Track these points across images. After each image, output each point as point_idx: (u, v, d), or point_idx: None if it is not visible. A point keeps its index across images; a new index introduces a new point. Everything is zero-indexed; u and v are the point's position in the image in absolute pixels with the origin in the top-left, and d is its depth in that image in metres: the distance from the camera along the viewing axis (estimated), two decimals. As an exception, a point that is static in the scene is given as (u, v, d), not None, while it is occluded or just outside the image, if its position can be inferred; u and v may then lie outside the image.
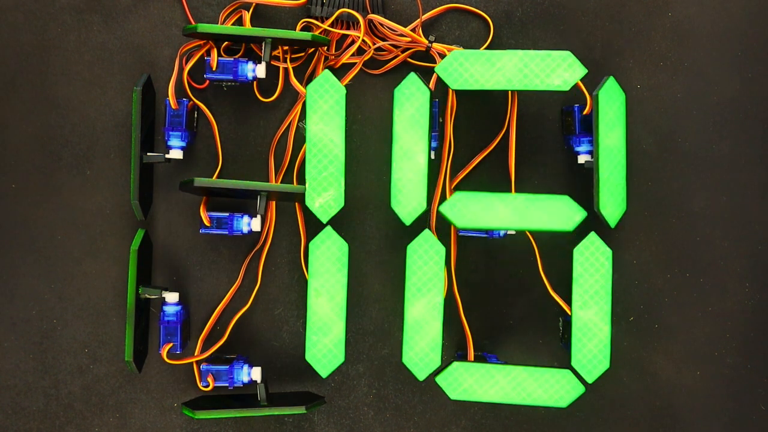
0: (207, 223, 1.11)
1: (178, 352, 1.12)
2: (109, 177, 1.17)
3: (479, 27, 1.19)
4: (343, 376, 1.18)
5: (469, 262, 1.18)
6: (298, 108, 1.17)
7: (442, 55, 1.15)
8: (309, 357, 1.09)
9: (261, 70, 1.12)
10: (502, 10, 1.18)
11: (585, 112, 1.12)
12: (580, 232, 1.09)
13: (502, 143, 1.17)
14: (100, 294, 1.17)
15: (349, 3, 1.16)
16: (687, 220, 1.18)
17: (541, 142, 1.18)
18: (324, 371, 1.09)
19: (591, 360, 1.08)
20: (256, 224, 1.12)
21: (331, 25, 1.15)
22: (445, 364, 1.09)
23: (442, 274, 1.07)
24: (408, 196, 1.07)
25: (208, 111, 1.17)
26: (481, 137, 1.17)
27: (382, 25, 1.15)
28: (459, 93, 1.16)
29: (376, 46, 1.15)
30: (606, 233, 1.12)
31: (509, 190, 1.14)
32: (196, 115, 1.16)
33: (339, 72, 1.17)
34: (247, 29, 1.10)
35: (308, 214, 1.13)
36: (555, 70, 1.07)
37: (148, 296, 1.11)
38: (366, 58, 1.16)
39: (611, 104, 1.07)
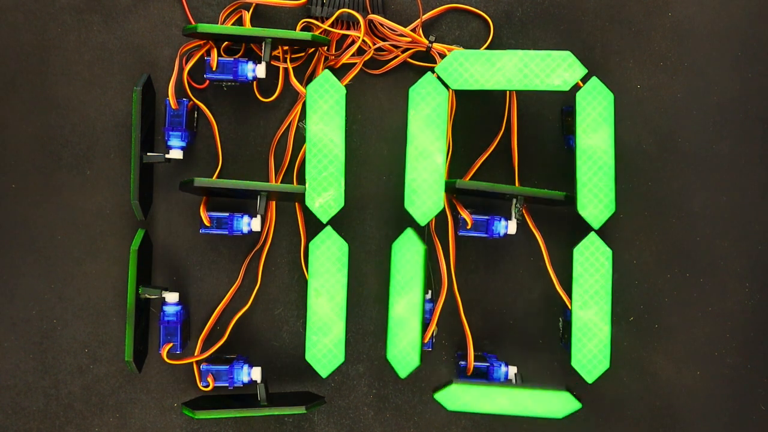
0: (207, 223, 1.11)
1: (178, 352, 1.12)
2: (109, 177, 1.17)
3: (479, 27, 1.19)
4: (343, 376, 1.18)
5: (469, 262, 1.18)
6: (298, 108, 1.17)
7: (442, 55, 1.15)
8: (309, 357, 1.09)
9: (261, 70, 1.12)
10: (502, 10, 1.18)
11: (585, 112, 1.12)
12: (580, 232, 1.09)
13: (501, 143, 1.17)
14: (100, 294, 1.17)
15: (349, 3, 1.16)
16: (687, 220, 1.18)
17: (541, 142, 1.18)
18: (324, 371, 1.09)
19: (591, 360, 1.08)
20: (256, 224, 1.12)
21: (331, 25, 1.15)
22: (443, 384, 1.09)
23: (422, 272, 1.07)
24: (423, 196, 1.07)
25: (208, 111, 1.17)
26: (481, 137, 1.17)
27: (382, 25, 1.15)
28: (459, 93, 1.16)
29: (376, 46, 1.15)
30: (606, 233, 1.12)
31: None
32: (196, 115, 1.16)
33: (339, 72, 1.17)
34: (247, 29, 1.10)
35: (308, 214, 1.13)
36: (555, 70, 1.07)
37: (148, 296, 1.11)
38: (366, 58, 1.16)
39: (595, 105, 1.07)
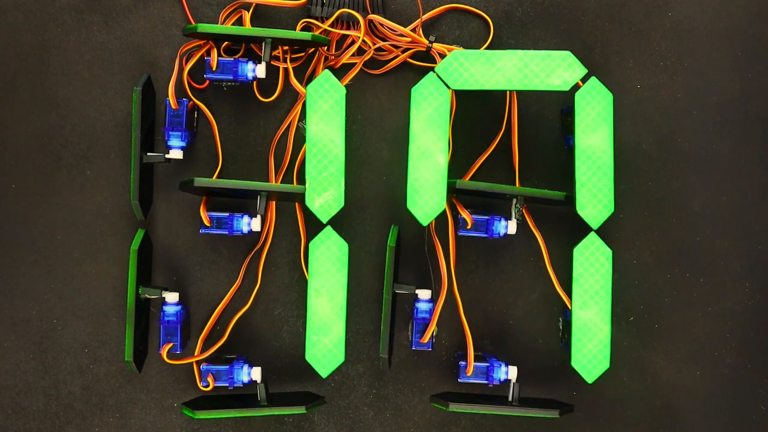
0: (207, 223, 1.11)
1: (178, 352, 1.12)
2: (109, 177, 1.17)
3: (479, 27, 1.19)
4: (343, 376, 1.18)
5: (469, 262, 1.18)
6: (298, 108, 1.17)
7: (442, 55, 1.15)
8: (309, 357, 1.09)
9: (261, 70, 1.12)
10: (502, 10, 1.18)
11: (585, 112, 1.12)
12: (579, 232, 1.09)
13: (501, 143, 1.17)
14: (100, 294, 1.17)
15: (349, 3, 1.16)
16: (687, 220, 1.18)
17: (541, 142, 1.18)
18: (324, 371, 1.09)
19: (591, 360, 1.08)
20: (256, 224, 1.12)
21: (331, 25, 1.15)
22: (441, 395, 1.10)
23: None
24: (425, 196, 1.07)
25: (208, 111, 1.17)
26: (481, 137, 1.17)
27: (382, 25, 1.15)
28: (459, 93, 1.16)
29: (376, 46, 1.15)
30: (606, 233, 1.12)
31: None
32: (196, 115, 1.16)
33: (339, 72, 1.17)
34: (247, 29, 1.10)
35: (308, 214, 1.13)
36: (555, 70, 1.07)
37: (148, 296, 1.11)
38: (366, 58, 1.16)
39: (594, 105, 1.07)
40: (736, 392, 1.18)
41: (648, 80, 1.18)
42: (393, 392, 1.18)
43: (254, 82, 1.16)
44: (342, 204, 1.08)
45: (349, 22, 1.16)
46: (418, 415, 1.18)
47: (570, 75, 1.07)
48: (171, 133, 1.12)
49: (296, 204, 1.16)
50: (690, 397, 1.18)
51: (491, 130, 1.17)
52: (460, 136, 1.17)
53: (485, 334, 1.18)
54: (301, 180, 1.16)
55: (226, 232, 1.11)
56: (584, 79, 1.08)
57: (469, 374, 1.11)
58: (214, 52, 1.12)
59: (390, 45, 1.16)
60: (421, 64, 1.17)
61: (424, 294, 1.12)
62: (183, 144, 1.12)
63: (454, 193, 1.13)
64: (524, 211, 1.14)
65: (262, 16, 1.18)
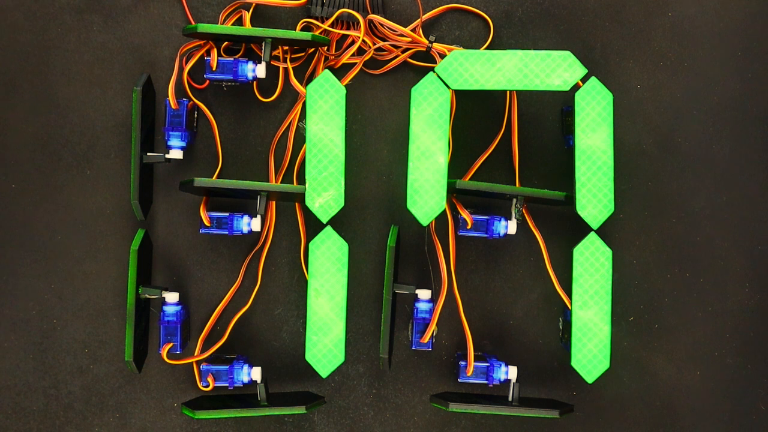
0: (207, 223, 1.11)
1: (178, 352, 1.12)
2: (109, 177, 1.17)
3: (479, 27, 1.19)
4: (343, 376, 1.18)
5: (469, 262, 1.18)
6: (298, 108, 1.17)
7: (442, 55, 1.15)
8: (309, 357, 1.09)
9: (261, 70, 1.12)
10: (502, 10, 1.18)
11: (585, 112, 1.12)
12: (579, 232, 1.09)
13: (501, 143, 1.17)
14: (100, 294, 1.17)
15: (349, 3, 1.16)
16: (687, 220, 1.18)
17: (541, 142, 1.18)
18: (324, 371, 1.09)
19: (591, 360, 1.08)
20: (256, 224, 1.12)
21: (331, 25, 1.15)
22: (440, 395, 1.10)
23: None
24: (425, 196, 1.07)
25: (208, 111, 1.17)
26: (481, 137, 1.17)
27: (382, 25, 1.15)
28: (459, 93, 1.16)
29: (376, 46, 1.15)
30: (606, 233, 1.12)
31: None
32: (196, 115, 1.16)
33: (339, 72, 1.17)
34: (247, 29, 1.10)
35: (308, 214, 1.13)
36: (555, 70, 1.07)
37: (148, 296, 1.11)
38: (366, 58, 1.16)
39: (594, 105, 1.07)
40: (736, 392, 1.18)
41: (648, 80, 1.18)
42: (393, 392, 1.18)
43: (254, 82, 1.16)
44: (342, 204, 1.08)
45: (349, 22, 1.16)
46: (418, 415, 1.18)
47: (570, 75, 1.07)
48: (171, 133, 1.12)
49: (296, 204, 1.16)
50: (690, 397, 1.18)
51: (491, 130, 1.17)
52: (460, 136, 1.17)
53: (485, 334, 1.18)
54: (301, 180, 1.16)
55: (226, 232, 1.11)
56: (584, 79, 1.08)
57: (469, 374, 1.11)
58: (214, 52, 1.12)
59: (390, 45, 1.16)
60: (421, 64, 1.17)
61: (424, 294, 1.12)
62: (183, 144, 1.12)
63: (454, 193, 1.13)
64: (524, 211, 1.14)
65: (262, 16, 1.18)
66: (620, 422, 1.18)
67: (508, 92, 1.16)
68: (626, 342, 1.18)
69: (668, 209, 1.18)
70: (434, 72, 1.08)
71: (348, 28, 1.16)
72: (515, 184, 1.16)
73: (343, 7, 1.15)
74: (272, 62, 1.14)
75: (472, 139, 1.17)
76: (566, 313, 1.12)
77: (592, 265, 1.08)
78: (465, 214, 1.11)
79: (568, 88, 1.07)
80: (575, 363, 1.08)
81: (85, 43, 1.17)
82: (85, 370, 1.17)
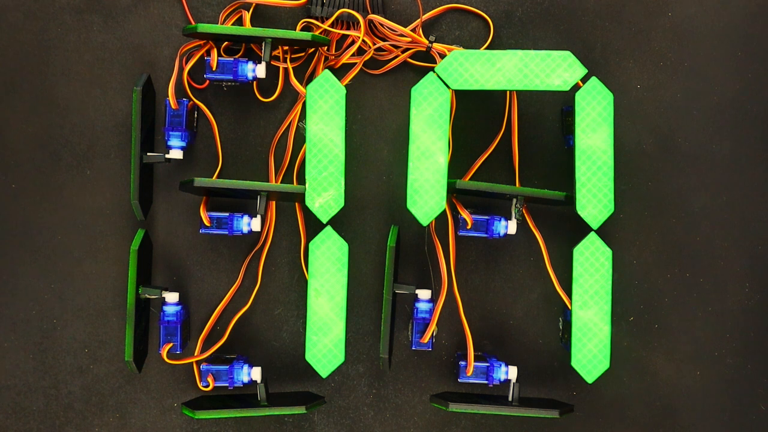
0: (207, 223, 1.11)
1: (178, 352, 1.12)
2: (109, 177, 1.17)
3: (479, 27, 1.19)
4: (343, 376, 1.18)
5: (469, 262, 1.18)
6: (298, 108, 1.17)
7: (442, 55, 1.15)
8: (309, 357, 1.09)
9: (261, 70, 1.12)
10: (502, 10, 1.18)
11: (585, 112, 1.12)
12: (580, 232, 1.09)
13: (501, 143, 1.17)
14: (100, 294, 1.17)
15: (349, 3, 1.16)
16: (687, 220, 1.18)
17: (541, 142, 1.18)
18: (324, 371, 1.09)
19: (591, 360, 1.08)
20: (256, 224, 1.12)
21: (331, 25, 1.15)
22: (440, 395, 1.10)
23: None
24: (425, 196, 1.07)
25: (208, 111, 1.17)
26: (481, 137, 1.17)
27: (382, 25, 1.15)
28: (459, 93, 1.16)
29: (376, 46, 1.15)
30: (606, 233, 1.12)
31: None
32: (196, 115, 1.16)
33: (339, 72, 1.17)
34: (247, 29, 1.10)
35: (308, 214, 1.13)
36: (555, 70, 1.07)
37: (148, 296, 1.11)
38: (366, 58, 1.16)
39: (594, 105, 1.07)
40: (736, 392, 1.18)
41: (648, 80, 1.18)
42: (393, 392, 1.18)
43: (254, 82, 1.16)
44: (342, 204, 1.08)
45: (349, 22, 1.16)
46: (418, 415, 1.18)
47: (570, 75, 1.07)
48: (171, 133, 1.12)
49: (296, 204, 1.16)
50: (690, 397, 1.18)
51: (491, 130, 1.17)
52: (460, 136, 1.17)
53: (485, 334, 1.18)
54: (301, 180, 1.16)
55: (226, 232, 1.11)
56: (584, 79, 1.08)
57: (469, 374, 1.11)
58: (214, 52, 1.12)
59: (390, 45, 1.16)
60: (421, 64, 1.17)
61: (424, 294, 1.12)
62: (183, 144, 1.12)
63: (454, 193, 1.13)
64: (524, 211, 1.14)
65: (262, 16, 1.18)
66: (620, 422, 1.18)
67: (508, 92, 1.16)
68: (626, 342, 1.18)
69: (668, 209, 1.18)
70: (434, 72, 1.08)
71: (348, 28, 1.16)
72: (515, 184, 1.16)
73: (343, 7, 1.15)
74: (272, 62, 1.14)
75: (472, 139, 1.17)
76: (566, 313, 1.12)
77: (592, 265, 1.08)
78: (465, 214, 1.11)
79: (568, 88, 1.07)
80: (575, 363, 1.08)
81: (85, 43, 1.17)
82: (85, 370, 1.17)
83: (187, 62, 1.15)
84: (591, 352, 1.08)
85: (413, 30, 1.16)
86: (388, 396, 1.18)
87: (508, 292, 1.18)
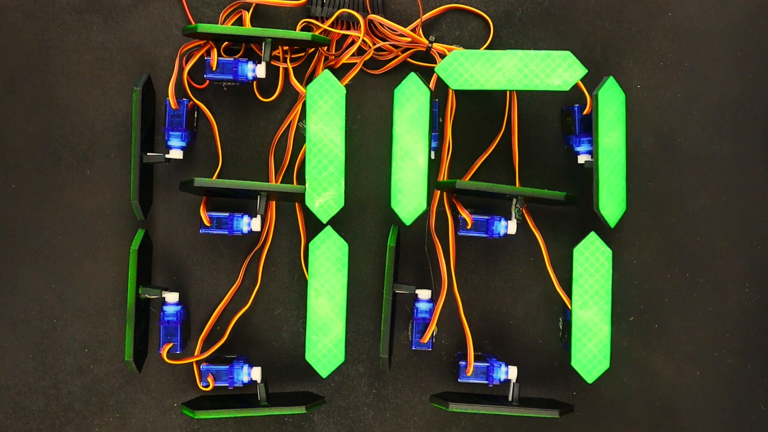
0: (207, 223, 1.11)
1: (178, 352, 1.12)
2: (109, 177, 1.17)
3: (479, 27, 1.19)
4: (343, 376, 1.18)
5: (469, 262, 1.18)
6: (298, 108, 1.17)
7: (442, 55, 1.15)
8: (309, 357, 1.09)
9: (261, 70, 1.12)
10: (502, 10, 1.18)
11: (585, 112, 1.12)
12: (580, 232, 1.09)
13: (501, 143, 1.17)
14: (100, 294, 1.17)
15: (349, 3, 1.16)
16: (687, 220, 1.18)
17: (541, 142, 1.18)
18: (324, 371, 1.09)
19: (591, 360, 1.08)
20: (256, 224, 1.12)
21: (331, 25, 1.15)
22: (439, 395, 1.10)
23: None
24: (408, 196, 1.07)
25: (208, 111, 1.17)
26: (481, 137, 1.17)
27: (382, 25, 1.15)
28: (459, 93, 1.16)
29: (376, 46, 1.15)
30: (606, 233, 1.12)
31: (509, 190, 1.14)
32: (196, 115, 1.16)
33: (339, 72, 1.17)
34: (247, 29, 1.10)
35: (308, 214, 1.13)
36: (555, 70, 1.07)
37: (148, 296, 1.11)
38: (366, 58, 1.16)
39: (611, 104, 1.07)
40: (736, 392, 1.18)
41: (648, 80, 1.18)
42: (393, 392, 1.18)
43: (254, 82, 1.16)
44: (342, 204, 1.08)
45: (349, 22, 1.16)
46: (418, 415, 1.18)
47: (570, 75, 1.06)
48: (171, 133, 1.12)
49: (296, 204, 1.16)
50: (690, 397, 1.18)
51: (491, 130, 1.17)
52: (460, 136, 1.17)
53: (485, 334, 1.18)
54: (301, 180, 1.16)
55: (226, 232, 1.11)
56: (599, 80, 1.08)
57: (469, 374, 1.11)
58: (214, 52, 1.12)
59: (390, 45, 1.16)
60: (421, 64, 1.17)
61: (424, 294, 1.12)
62: (183, 144, 1.12)
63: (454, 193, 1.13)
64: (524, 211, 1.14)
65: (262, 16, 1.18)
66: (620, 422, 1.18)
67: (508, 92, 1.16)
68: (626, 342, 1.18)
69: (668, 209, 1.18)
70: (415, 72, 1.08)
71: (348, 28, 1.16)
72: (515, 184, 1.16)
73: (343, 7, 1.15)
74: (272, 62, 1.14)
75: (472, 139, 1.17)
76: (566, 313, 1.12)
77: (592, 265, 1.08)
78: (465, 214, 1.11)
79: (568, 88, 1.07)
80: (575, 363, 1.08)
81: (85, 43, 1.17)
82: (85, 370, 1.17)
83: (187, 62, 1.15)
84: (591, 352, 1.08)
85: (413, 30, 1.16)
86: (388, 396, 1.18)
87: (508, 292, 1.18)
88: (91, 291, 1.17)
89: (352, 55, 1.15)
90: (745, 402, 1.18)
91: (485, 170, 1.17)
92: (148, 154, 1.11)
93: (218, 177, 1.17)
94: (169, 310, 1.12)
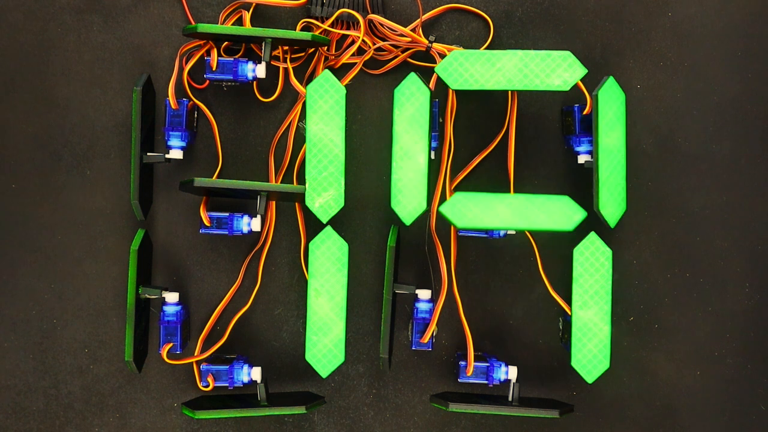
0: (207, 223, 1.11)
1: (178, 352, 1.12)
2: (109, 177, 1.17)
3: (479, 27, 1.19)
4: (343, 376, 1.18)
5: (469, 262, 1.18)
6: (298, 108, 1.17)
7: (442, 55, 1.15)
8: (309, 357, 1.09)
9: (261, 70, 1.12)
10: (502, 10, 1.18)
11: (585, 112, 1.12)
12: (580, 232, 1.09)
13: (502, 143, 1.17)
14: (100, 294, 1.17)
15: (349, 3, 1.16)
16: (687, 220, 1.18)
17: (541, 142, 1.18)
18: (324, 371, 1.09)
19: (591, 360, 1.08)
20: (256, 224, 1.12)
21: (331, 25, 1.15)
22: (439, 396, 1.10)
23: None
24: (408, 196, 1.07)
25: (208, 111, 1.17)
26: (481, 137, 1.17)
27: (382, 25, 1.15)
28: (459, 93, 1.16)
29: (376, 46, 1.15)
30: (606, 233, 1.12)
31: (509, 190, 1.14)
32: (196, 115, 1.16)
33: (339, 72, 1.17)
34: (247, 29, 1.10)
35: (308, 214, 1.13)
36: (555, 70, 1.07)
37: (148, 296, 1.11)
38: (366, 58, 1.16)
39: (611, 104, 1.07)
40: (736, 392, 1.18)
41: (648, 80, 1.18)
42: (393, 392, 1.18)
43: (254, 82, 1.16)
44: (342, 204, 1.08)
45: (349, 22, 1.16)
46: (418, 415, 1.18)
47: (570, 75, 1.07)
48: (171, 133, 1.12)
49: (296, 204, 1.16)
50: (690, 397, 1.18)
51: (491, 130, 1.17)
52: (460, 136, 1.17)
53: (485, 334, 1.18)
54: (301, 180, 1.16)
55: (226, 232, 1.11)
56: (599, 80, 1.08)
57: (469, 374, 1.11)
58: (214, 52, 1.12)
59: (390, 45, 1.16)
60: (421, 64, 1.17)
61: (424, 294, 1.12)
62: (183, 144, 1.12)
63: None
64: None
65: (262, 16, 1.18)
66: (620, 422, 1.18)
67: (509, 92, 1.16)
68: (626, 342, 1.18)
69: (668, 209, 1.18)
70: (415, 72, 1.08)
71: (348, 28, 1.16)
72: (510, 184, 1.16)
73: (343, 7, 1.15)
74: (272, 62, 1.14)
75: (472, 139, 1.17)
76: (566, 313, 1.12)
77: (592, 265, 1.08)
78: None
79: (568, 88, 1.07)
80: (575, 363, 1.08)
81: (85, 43, 1.17)
82: (85, 370, 1.17)
83: (187, 62, 1.15)
84: (591, 352, 1.08)
85: (413, 30, 1.16)
86: (388, 396, 1.18)
87: (508, 292, 1.18)
88: (91, 291, 1.17)
89: (352, 55, 1.15)
90: (745, 402, 1.18)
91: (485, 170, 1.17)
92: (148, 154, 1.11)
93: (218, 177, 1.17)
94: (169, 310, 1.12)
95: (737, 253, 1.18)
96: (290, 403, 1.10)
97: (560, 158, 1.18)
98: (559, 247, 1.16)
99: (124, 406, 1.17)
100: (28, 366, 1.17)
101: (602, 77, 1.09)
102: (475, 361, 1.12)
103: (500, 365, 1.11)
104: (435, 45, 1.15)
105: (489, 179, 1.17)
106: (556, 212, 1.06)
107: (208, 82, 1.16)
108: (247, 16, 1.15)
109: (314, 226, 1.12)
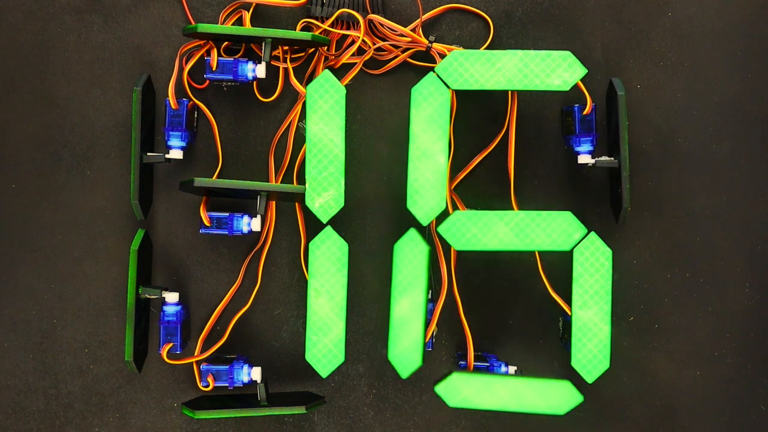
0: (207, 223, 1.11)
1: (178, 352, 1.12)
2: (109, 177, 1.17)
3: (479, 27, 1.19)
4: (343, 376, 1.18)
5: (469, 262, 1.18)
6: (298, 108, 1.17)
7: (442, 55, 1.15)
8: (309, 357, 1.09)
9: (261, 70, 1.12)
10: (502, 10, 1.18)
11: (585, 112, 1.12)
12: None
13: (502, 143, 1.17)
14: (100, 294, 1.17)
15: (349, 3, 1.16)
16: (687, 220, 1.18)
17: (541, 142, 1.18)
18: (324, 371, 1.09)
19: (591, 360, 1.08)
20: (256, 224, 1.12)
21: (331, 25, 1.15)
22: (444, 374, 1.09)
23: (426, 272, 1.07)
24: (425, 196, 1.07)
25: (208, 111, 1.17)
26: (481, 137, 1.17)
27: (382, 25, 1.15)
28: (459, 93, 1.16)
29: (376, 46, 1.15)
30: (606, 233, 1.12)
31: (508, 191, 1.14)
32: (196, 115, 1.16)
33: (339, 72, 1.17)
34: (247, 29, 1.10)
35: (308, 214, 1.13)
36: (555, 70, 1.07)
37: (148, 296, 1.11)
38: (366, 58, 1.16)
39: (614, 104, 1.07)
40: (736, 392, 1.18)
41: (648, 80, 1.18)
42: (393, 392, 1.18)
43: (254, 82, 1.16)
44: (342, 204, 1.08)
45: (349, 22, 1.16)
46: (418, 415, 1.18)
47: (570, 75, 1.06)
48: (171, 133, 1.12)
49: (296, 204, 1.16)
50: (690, 397, 1.18)
51: (491, 131, 1.17)
52: (460, 136, 1.17)
53: (485, 334, 1.18)
54: (301, 180, 1.16)
55: (226, 232, 1.11)
56: (599, 80, 1.09)
57: (469, 374, 1.11)
58: (214, 52, 1.12)
59: (390, 45, 1.16)
60: (421, 64, 1.17)
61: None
62: (183, 144, 1.12)
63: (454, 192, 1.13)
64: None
65: (262, 16, 1.18)
66: (620, 422, 1.18)
67: (510, 92, 1.16)
68: (626, 342, 1.18)
69: (668, 209, 1.18)
70: (434, 72, 1.08)
71: (348, 28, 1.16)
72: (510, 185, 1.16)
73: (343, 7, 1.15)
74: (272, 62, 1.14)
75: (472, 139, 1.17)
76: (566, 313, 1.12)
77: (592, 265, 1.08)
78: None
79: (568, 88, 1.07)
80: (575, 363, 1.08)
81: (85, 43, 1.17)
82: (85, 370, 1.17)
83: (187, 62, 1.15)
84: (591, 352, 1.08)
85: (413, 30, 1.16)
86: (388, 396, 1.18)
87: (508, 292, 1.18)
88: (91, 291, 1.17)
89: (352, 55, 1.15)
90: (745, 402, 1.18)
91: (485, 171, 1.17)
92: (148, 154, 1.11)
93: (218, 177, 1.17)
94: (169, 310, 1.12)
95: (737, 253, 1.18)
96: (290, 403, 1.10)
97: (560, 158, 1.18)
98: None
99: (124, 406, 1.17)
100: (28, 366, 1.17)
101: (602, 77, 1.09)
102: (475, 361, 1.12)
103: (500, 365, 1.11)
104: (435, 45, 1.15)
105: (489, 179, 1.17)
106: (557, 230, 1.06)
107: (208, 82, 1.16)
108: (247, 16, 1.15)
109: (314, 226, 1.12)
